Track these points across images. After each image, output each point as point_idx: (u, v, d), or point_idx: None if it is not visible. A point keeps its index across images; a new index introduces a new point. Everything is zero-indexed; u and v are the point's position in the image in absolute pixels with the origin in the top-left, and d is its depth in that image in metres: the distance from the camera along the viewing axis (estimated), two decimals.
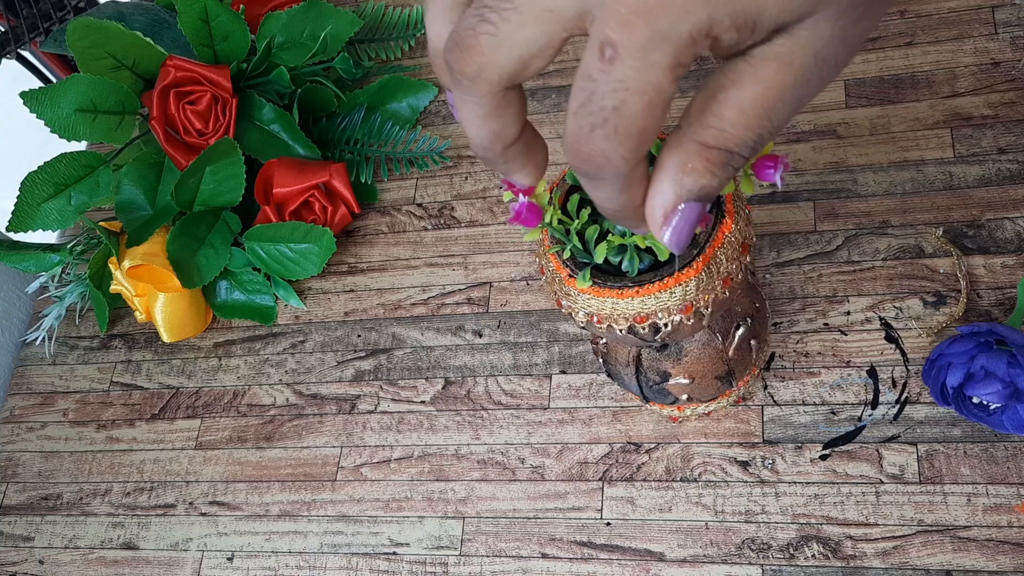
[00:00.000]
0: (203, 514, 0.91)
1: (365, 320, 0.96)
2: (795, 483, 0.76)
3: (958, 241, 0.81)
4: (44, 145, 1.03)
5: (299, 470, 0.90)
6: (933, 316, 0.79)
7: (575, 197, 0.61)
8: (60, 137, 0.95)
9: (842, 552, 0.72)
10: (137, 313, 0.99)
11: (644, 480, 0.79)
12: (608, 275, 0.61)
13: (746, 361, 0.73)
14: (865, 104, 0.90)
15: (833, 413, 0.77)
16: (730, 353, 0.70)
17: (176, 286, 0.96)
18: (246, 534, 0.88)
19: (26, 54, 1.22)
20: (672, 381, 0.72)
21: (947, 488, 0.72)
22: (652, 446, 0.81)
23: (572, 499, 0.81)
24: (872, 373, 0.78)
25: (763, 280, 0.84)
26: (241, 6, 1.01)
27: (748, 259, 0.62)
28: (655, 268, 0.62)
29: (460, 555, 0.81)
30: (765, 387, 0.80)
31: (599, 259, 0.59)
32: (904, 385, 0.77)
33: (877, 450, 0.75)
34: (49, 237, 1.16)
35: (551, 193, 0.59)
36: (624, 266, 0.59)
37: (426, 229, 0.99)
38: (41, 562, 0.93)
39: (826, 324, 0.81)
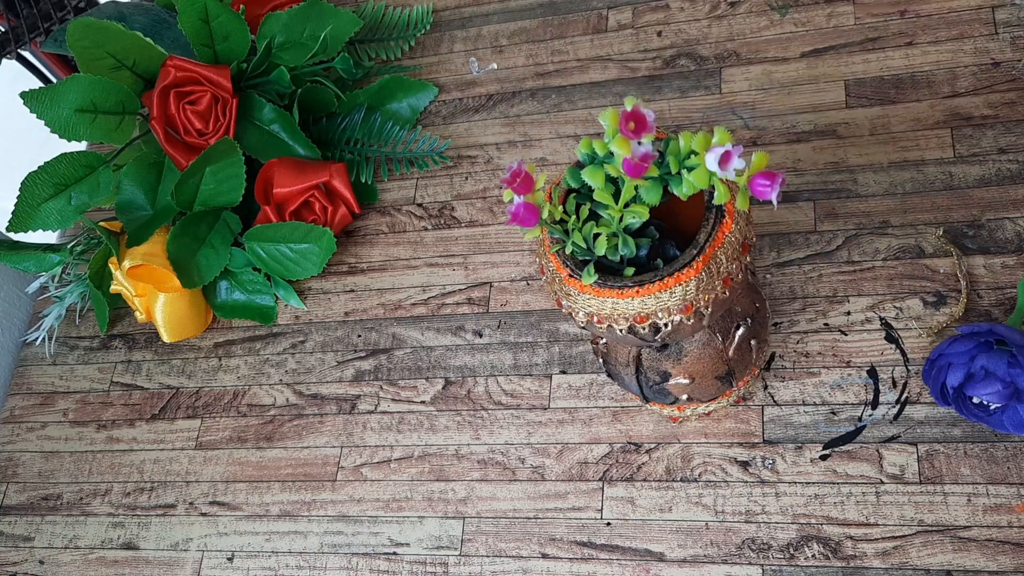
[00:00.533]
0: (203, 514, 0.91)
1: (365, 320, 0.96)
2: (795, 483, 0.76)
3: (958, 241, 0.81)
4: (44, 145, 1.03)
5: (299, 470, 0.90)
6: (933, 316, 0.79)
7: (573, 196, 0.61)
8: (60, 137, 0.95)
9: (842, 552, 0.72)
10: (137, 313, 0.99)
11: (644, 480, 0.79)
12: (608, 275, 0.61)
13: (746, 361, 0.73)
14: (865, 104, 0.90)
15: (833, 413, 0.77)
16: (730, 353, 0.70)
17: (176, 286, 0.96)
18: (246, 534, 0.88)
19: (26, 54, 1.22)
20: (672, 381, 0.72)
21: (947, 488, 0.72)
22: (652, 446, 0.81)
23: (572, 499, 0.81)
24: (872, 373, 0.78)
25: (763, 280, 0.84)
26: (241, 6, 1.01)
27: (748, 259, 0.62)
28: (652, 256, 0.62)
29: (460, 555, 0.81)
30: (765, 387, 0.80)
31: (600, 252, 0.59)
32: (904, 385, 0.77)
33: (877, 450, 0.75)
34: (49, 237, 1.16)
35: (550, 192, 0.59)
36: (620, 250, 0.59)
37: (426, 229, 0.99)
38: (41, 562, 0.93)
39: (826, 324, 0.81)
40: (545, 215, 0.57)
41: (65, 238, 1.12)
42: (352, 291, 0.98)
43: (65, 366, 1.05)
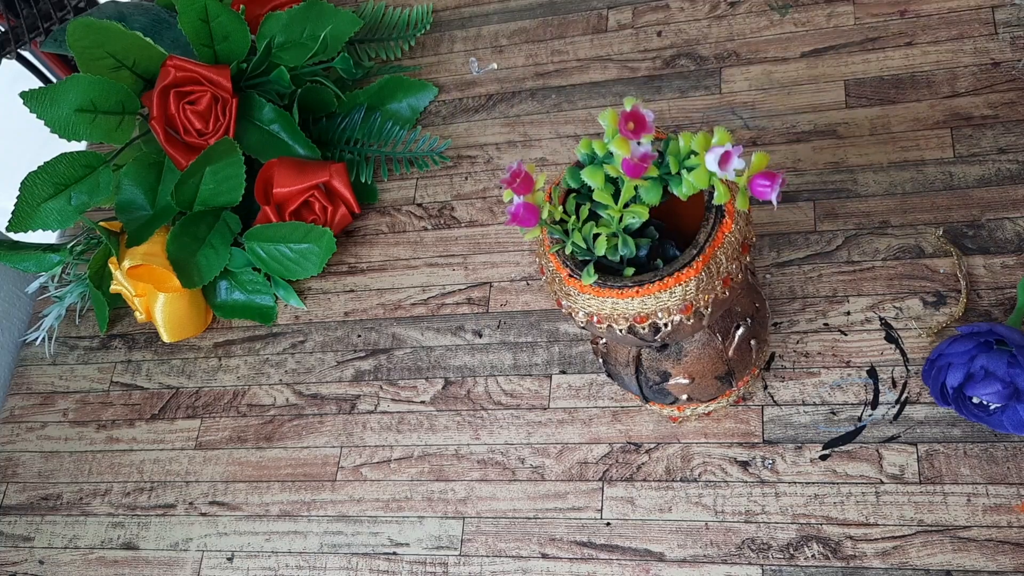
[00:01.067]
0: (203, 514, 0.91)
1: (365, 320, 0.96)
2: (795, 483, 0.76)
3: (958, 241, 0.81)
4: (44, 145, 1.03)
5: (299, 470, 0.90)
6: (933, 316, 0.79)
7: (573, 196, 0.61)
8: (60, 137, 0.95)
9: (842, 552, 0.72)
10: (137, 313, 0.99)
11: (644, 480, 0.79)
12: (608, 275, 0.61)
13: (746, 361, 0.73)
14: (865, 104, 0.90)
15: (833, 413, 0.77)
16: (730, 353, 0.70)
17: (176, 286, 0.96)
18: (246, 534, 0.88)
19: (26, 54, 1.22)
20: (672, 381, 0.72)
21: (947, 488, 0.72)
22: (652, 446, 0.81)
23: (572, 499, 0.81)
24: (872, 373, 0.78)
25: (763, 280, 0.84)
26: (241, 6, 1.01)
27: (748, 259, 0.62)
28: (652, 256, 0.62)
29: (460, 555, 0.81)
30: (765, 387, 0.80)
31: (600, 252, 0.59)
32: (904, 385, 0.77)
33: (877, 450, 0.75)
34: (49, 237, 1.16)
35: (550, 192, 0.59)
36: (620, 250, 0.59)
37: (426, 229, 0.99)
38: (41, 562, 0.93)
39: (826, 324, 0.81)
40: (545, 215, 0.57)
41: (65, 238, 1.12)
42: (352, 291, 0.98)
43: (65, 366, 1.05)
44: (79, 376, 1.04)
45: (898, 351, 0.78)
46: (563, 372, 0.86)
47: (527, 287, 0.92)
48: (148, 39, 0.95)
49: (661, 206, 0.59)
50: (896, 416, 0.76)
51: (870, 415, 0.76)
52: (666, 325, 0.61)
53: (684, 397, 0.74)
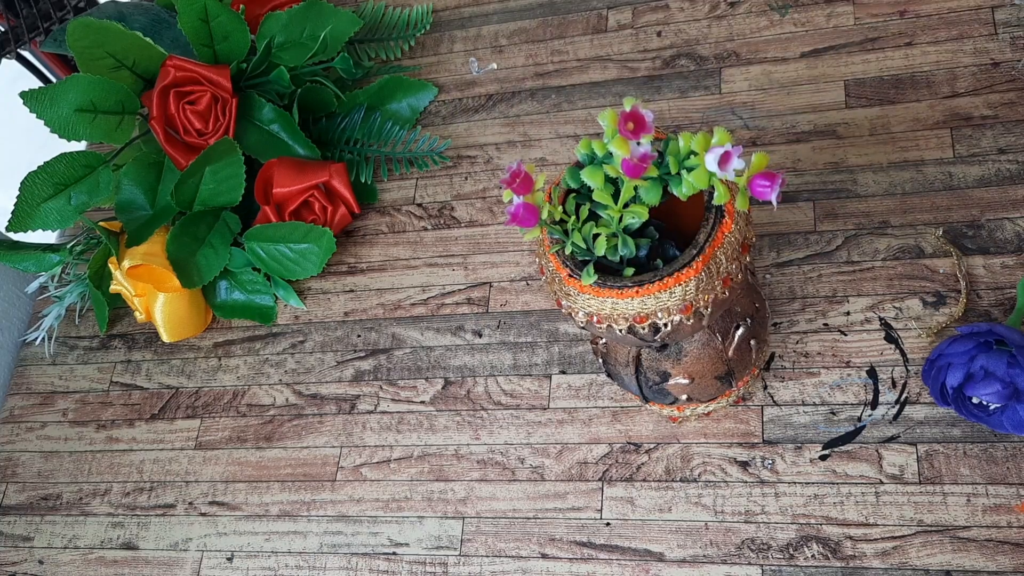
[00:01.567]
0: (203, 514, 0.91)
1: (365, 320, 0.96)
2: (795, 483, 0.76)
3: (958, 241, 0.81)
4: (44, 145, 1.03)
5: (299, 470, 0.90)
6: (933, 316, 0.79)
7: (572, 196, 0.61)
8: (60, 137, 0.95)
9: (842, 552, 0.72)
10: (137, 313, 0.99)
11: (644, 480, 0.79)
12: (608, 275, 0.61)
13: (746, 361, 0.73)
14: (865, 104, 0.90)
15: (833, 413, 0.77)
16: (730, 353, 0.70)
17: (176, 286, 0.96)
18: (246, 534, 0.88)
19: (26, 54, 1.22)
20: (672, 381, 0.72)
21: (947, 488, 0.72)
22: (652, 446, 0.81)
23: (572, 499, 0.81)
24: (872, 373, 0.78)
25: (763, 280, 0.84)
26: (241, 6, 1.01)
27: (748, 259, 0.62)
28: (652, 256, 0.62)
29: (460, 555, 0.81)
30: (765, 387, 0.80)
31: (599, 252, 0.59)
32: (904, 385, 0.77)
33: (877, 450, 0.75)
34: (49, 237, 1.16)
35: (550, 192, 0.59)
36: (620, 250, 0.59)
37: (426, 229, 0.99)
38: (41, 562, 0.93)
39: (826, 324, 0.81)
40: (545, 215, 0.57)
41: (65, 238, 1.12)
42: (352, 291, 0.98)
43: (65, 366, 1.05)
44: (79, 376, 1.04)
45: (898, 351, 0.78)
46: (563, 372, 0.86)
47: (527, 287, 0.92)
48: (148, 39, 0.95)
49: (661, 206, 0.59)
50: (896, 416, 0.76)
51: (870, 415, 0.76)
52: (666, 325, 0.61)
53: (684, 397, 0.74)
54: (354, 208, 0.99)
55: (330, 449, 0.90)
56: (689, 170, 0.54)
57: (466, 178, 1.01)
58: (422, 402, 0.89)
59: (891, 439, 0.75)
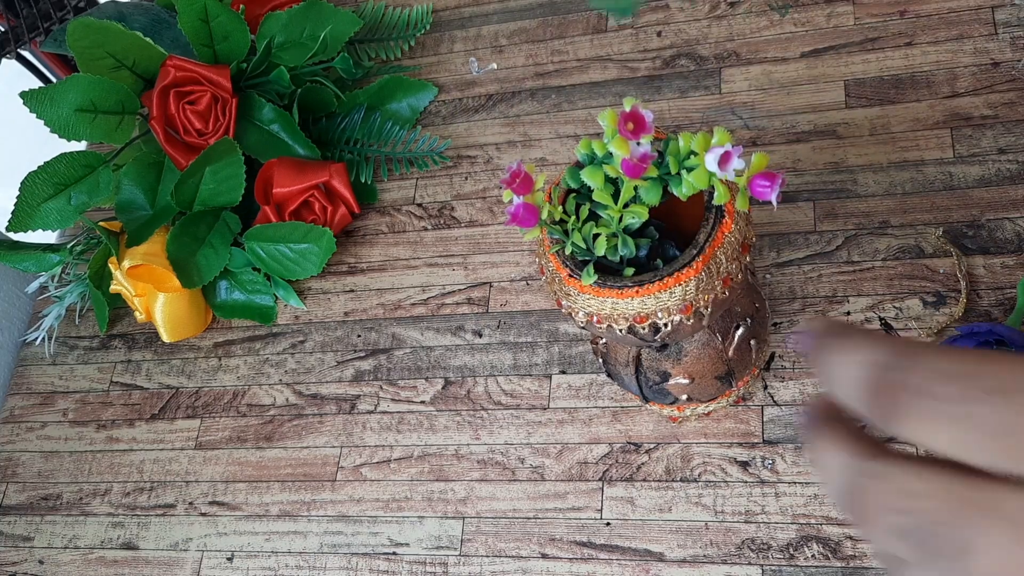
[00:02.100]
0: (203, 514, 0.91)
1: (365, 320, 0.96)
2: (795, 483, 0.76)
3: (958, 241, 0.81)
4: (44, 145, 1.03)
5: (299, 470, 0.90)
6: (933, 316, 0.79)
7: (572, 196, 0.61)
8: (60, 137, 0.95)
9: (842, 552, 0.72)
10: (137, 313, 0.99)
11: (644, 480, 0.79)
12: (608, 275, 0.61)
13: (746, 361, 0.73)
14: (865, 104, 0.90)
15: None
16: (730, 353, 0.70)
17: (176, 286, 0.96)
18: (246, 534, 0.88)
19: (26, 54, 1.22)
20: (672, 381, 0.72)
21: None
22: (652, 446, 0.81)
23: (572, 499, 0.81)
24: None
25: (763, 280, 0.84)
26: (241, 6, 1.01)
27: (748, 259, 0.62)
28: (652, 256, 0.62)
29: (460, 555, 0.81)
30: (765, 387, 0.80)
31: (599, 252, 0.59)
32: None
33: None
34: (49, 237, 1.16)
35: (550, 192, 0.59)
36: (620, 250, 0.59)
37: (426, 229, 0.99)
38: (41, 562, 0.93)
39: None
40: (545, 215, 0.57)
41: (65, 238, 1.12)
42: (352, 291, 0.98)
43: (65, 366, 1.05)
44: (79, 376, 1.04)
45: None
46: (563, 372, 0.86)
47: (527, 287, 0.92)
48: (148, 39, 0.95)
49: (661, 206, 0.59)
50: None
51: None
52: (666, 325, 0.61)
53: (684, 397, 0.74)
54: (354, 208, 0.99)
55: (330, 449, 0.90)
56: (689, 170, 0.54)
57: (466, 178, 1.01)
58: (422, 402, 0.89)
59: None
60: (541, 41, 1.06)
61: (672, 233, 0.64)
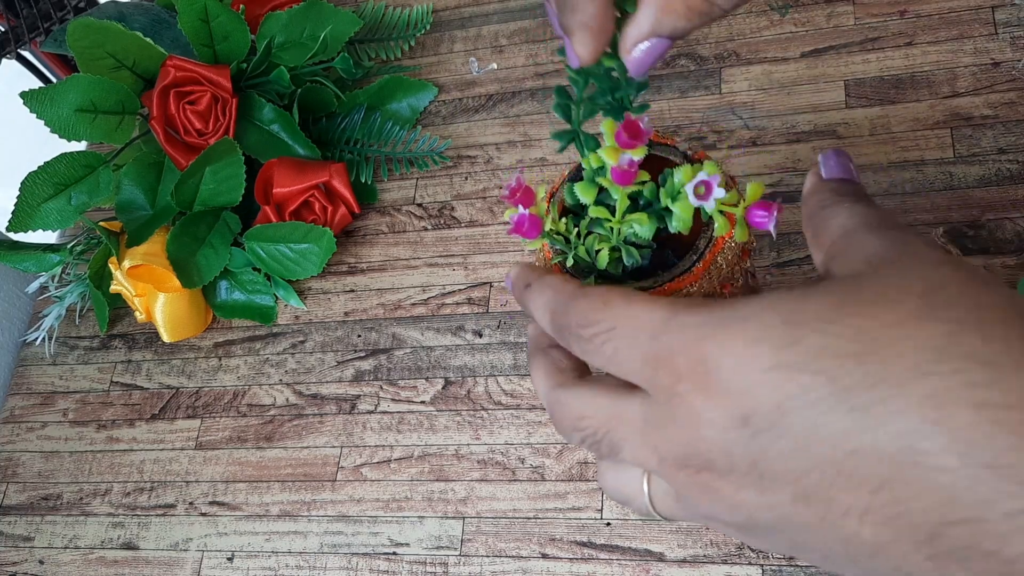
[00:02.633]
0: (203, 514, 0.91)
1: (365, 320, 0.96)
2: None
3: (958, 241, 0.81)
4: (44, 145, 1.03)
5: (299, 470, 0.90)
6: None
7: (570, 217, 0.61)
8: (60, 137, 0.95)
9: None
10: (137, 313, 0.99)
11: None
12: (609, 282, 0.61)
13: None
14: (865, 104, 0.90)
15: None
16: None
17: (176, 286, 0.96)
18: (246, 534, 0.88)
19: (26, 54, 1.22)
20: None
21: None
22: None
23: (572, 499, 0.81)
24: None
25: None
26: (241, 6, 1.01)
27: (749, 264, 0.62)
28: (653, 262, 0.62)
29: (460, 555, 0.81)
30: None
31: (602, 266, 0.59)
32: None
33: None
34: (49, 237, 1.16)
35: (549, 201, 0.59)
36: (625, 260, 0.59)
37: (426, 229, 0.99)
38: (41, 562, 0.93)
39: None
40: (548, 227, 0.57)
41: (65, 238, 1.12)
42: (352, 291, 0.98)
43: (65, 366, 1.05)
44: (79, 376, 1.04)
45: None
46: None
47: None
48: (148, 39, 0.95)
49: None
50: None
51: None
52: None
53: None
54: (354, 208, 0.99)
55: (330, 449, 0.90)
56: (674, 200, 0.53)
57: (466, 178, 1.01)
58: (422, 402, 0.89)
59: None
60: (541, 41, 1.06)
61: (673, 238, 0.64)
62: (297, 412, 0.93)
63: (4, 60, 1.13)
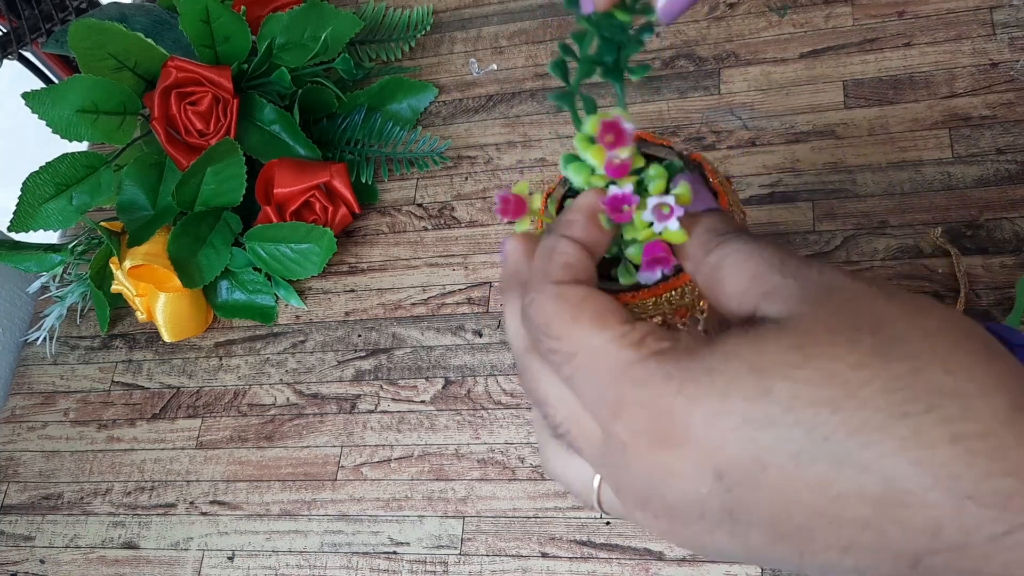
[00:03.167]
0: (204, 513, 0.91)
1: (365, 320, 0.96)
2: None
3: (957, 241, 0.81)
4: (45, 145, 1.04)
5: (299, 470, 0.90)
6: None
7: (570, 202, 0.61)
8: (62, 137, 0.95)
9: None
10: (138, 313, 0.99)
11: None
12: (603, 279, 0.61)
13: None
14: (864, 105, 0.90)
15: None
16: None
17: (177, 286, 0.96)
18: (247, 533, 0.88)
19: (28, 55, 1.22)
20: None
21: None
22: None
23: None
24: None
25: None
26: (242, 7, 1.01)
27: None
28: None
29: (460, 554, 0.81)
30: None
31: (627, 281, 0.58)
32: None
33: None
34: (50, 237, 1.16)
35: (546, 200, 0.59)
36: (619, 274, 0.59)
37: (426, 229, 0.99)
38: (42, 561, 0.93)
39: None
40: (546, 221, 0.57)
41: (66, 238, 1.12)
42: (352, 291, 0.99)
43: (66, 366, 1.06)
44: (80, 376, 1.04)
45: None
46: None
47: None
48: (149, 40, 0.96)
49: None
50: None
51: None
52: None
53: None
54: (355, 208, 0.99)
55: (331, 448, 0.90)
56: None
57: (466, 178, 1.01)
58: (422, 401, 0.90)
59: None
60: (541, 42, 1.06)
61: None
62: (297, 412, 0.93)
63: (6, 61, 1.13)
